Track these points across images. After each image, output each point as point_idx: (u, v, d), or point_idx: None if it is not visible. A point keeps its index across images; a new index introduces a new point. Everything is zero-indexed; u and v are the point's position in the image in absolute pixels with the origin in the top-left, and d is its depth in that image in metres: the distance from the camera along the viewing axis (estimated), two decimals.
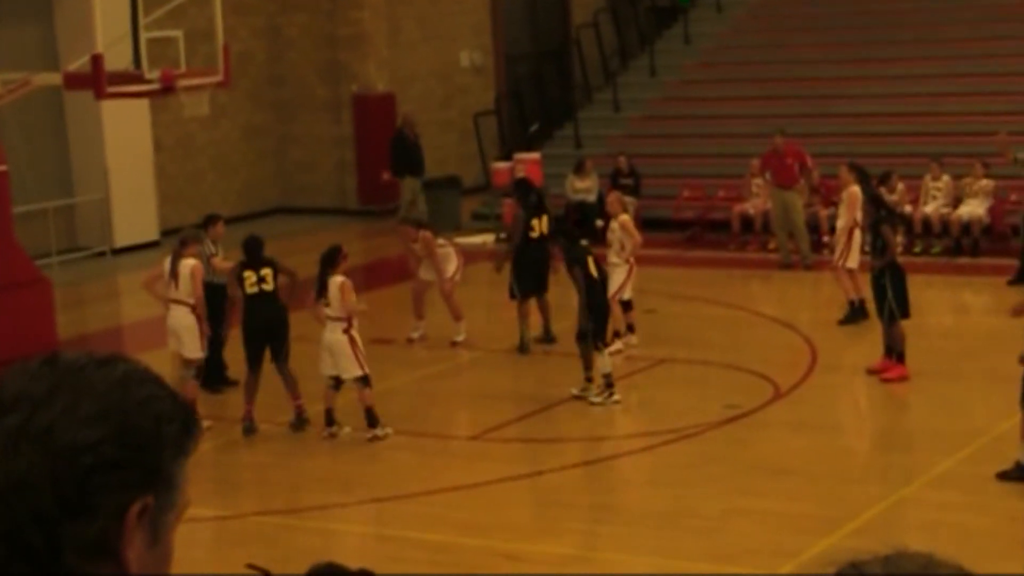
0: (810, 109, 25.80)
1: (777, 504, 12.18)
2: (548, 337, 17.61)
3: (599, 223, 18.19)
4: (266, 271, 14.69)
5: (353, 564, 3.14)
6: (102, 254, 24.93)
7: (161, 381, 1.93)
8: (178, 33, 18.94)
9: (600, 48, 30.69)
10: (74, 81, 18.43)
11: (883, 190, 18.90)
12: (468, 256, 19.35)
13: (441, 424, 15.09)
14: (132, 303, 21.66)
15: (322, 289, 14.28)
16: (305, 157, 28.83)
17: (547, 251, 17.66)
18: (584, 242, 15.97)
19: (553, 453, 14.02)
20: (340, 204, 28.42)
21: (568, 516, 12.59)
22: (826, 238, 21.03)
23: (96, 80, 17.35)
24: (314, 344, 14.90)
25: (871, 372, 15.72)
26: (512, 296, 17.54)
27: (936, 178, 22.35)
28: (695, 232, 24.07)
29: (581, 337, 15.23)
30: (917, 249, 21.75)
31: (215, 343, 15.62)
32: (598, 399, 15.11)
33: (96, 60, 17.26)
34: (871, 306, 16.50)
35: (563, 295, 17.12)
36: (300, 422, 14.73)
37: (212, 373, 15.78)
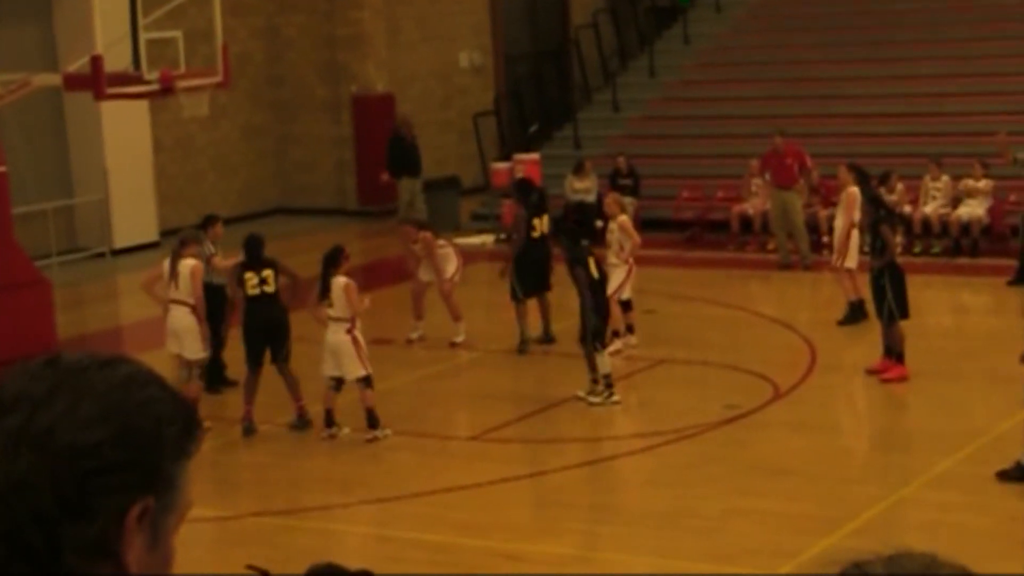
0: (809, 109, 25.80)
1: (777, 504, 12.18)
2: (548, 337, 17.61)
3: (599, 223, 18.19)
4: (267, 272, 14.68)
5: (353, 564, 3.14)
6: (102, 255, 24.93)
7: (163, 383, 1.92)
8: (177, 34, 18.93)
9: (599, 48, 30.69)
10: (74, 82, 18.43)
11: (882, 190, 18.91)
12: (467, 257, 19.35)
13: (441, 424, 15.09)
14: (132, 304, 21.66)
15: (325, 290, 14.27)
16: (304, 157, 28.83)
17: (548, 251, 17.69)
18: (585, 242, 15.97)
19: (553, 453, 14.02)
20: (339, 204, 28.42)
21: (568, 516, 12.59)
22: (825, 238, 21.03)
23: (96, 81, 17.35)
24: (314, 345, 14.90)
25: (870, 372, 15.72)
26: (514, 296, 17.55)
27: (935, 178, 22.36)
28: (694, 232, 24.07)
29: (586, 338, 15.20)
30: (917, 249, 21.75)
31: (215, 343, 15.61)
32: (597, 399, 15.11)
33: (95, 61, 17.27)
34: (870, 306, 16.50)
35: (563, 295, 17.12)
36: (302, 423, 14.72)
37: (211, 373, 15.78)
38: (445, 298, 17.80)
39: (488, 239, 24.78)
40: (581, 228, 16.02)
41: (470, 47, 30.39)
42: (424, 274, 17.94)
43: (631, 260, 17.08)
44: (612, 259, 16.85)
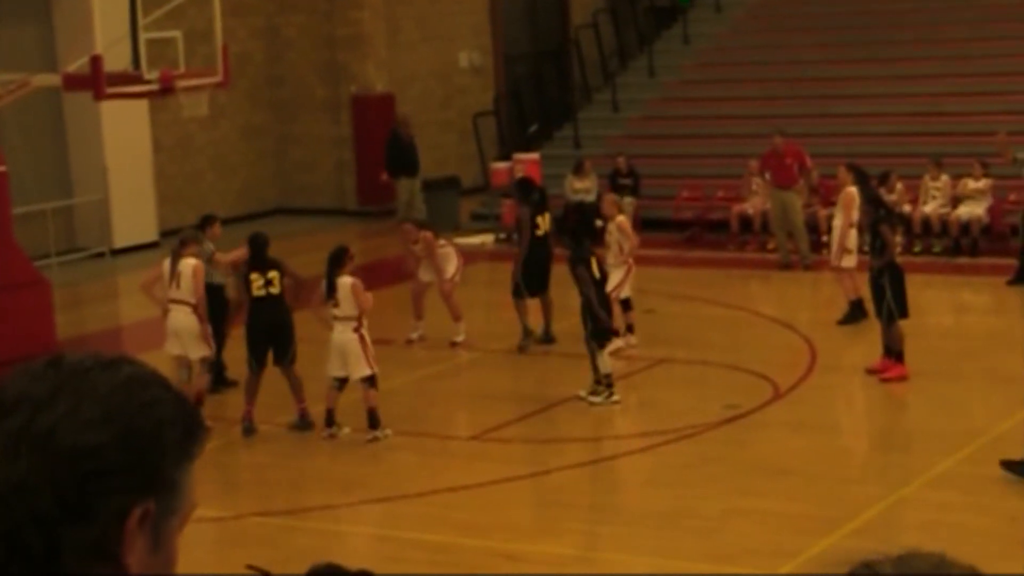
0: (809, 109, 25.81)
1: (776, 504, 12.18)
2: (548, 337, 17.62)
3: (599, 223, 18.22)
4: (273, 274, 14.67)
5: (353, 565, 3.14)
6: (101, 255, 24.93)
7: (166, 384, 1.91)
8: (177, 34, 18.94)
9: (599, 48, 30.70)
10: (73, 82, 18.43)
11: (882, 190, 18.90)
12: (467, 257, 19.35)
13: (441, 424, 15.09)
14: (131, 304, 21.66)
15: (331, 290, 14.27)
16: (304, 157, 28.83)
17: (550, 249, 17.72)
18: (587, 242, 15.98)
19: (553, 453, 14.02)
20: (339, 205, 28.42)
21: (568, 516, 12.59)
22: (825, 238, 21.03)
23: (95, 81, 17.36)
24: (315, 345, 14.91)
25: (870, 372, 15.72)
26: (516, 293, 17.56)
27: (935, 178, 22.36)
28: (694, 232, 24.08)
29: (592, 337, 15.19)
30: (917, 249, 21.75)
31: (216, 343, 15.59)
32: (598, 399, 15.11)
33: (95, 61, 17.27)
34: (869, 306, 16.50)
35: (563, 295, 17.12)
36: (304, 424, 14.72)
37: (211, 373, 15.76)
38: (445, 298, 17.80)
39: (488, 239, 24.79)
40: (584, 228, 16.02)
41: (470, 47, 30.40)
42: (424, 274, 17.94)
43: (630, 260, 17.09)
44: (611, 260, 16.84)
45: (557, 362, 17.00)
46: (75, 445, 1.81)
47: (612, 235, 17.04)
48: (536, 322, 17.66)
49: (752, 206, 23.30)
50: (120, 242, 25.02)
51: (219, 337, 15.61)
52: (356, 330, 14.23)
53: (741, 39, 29.16)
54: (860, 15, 28.15)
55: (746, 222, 23.42)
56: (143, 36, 17.92)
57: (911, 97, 25.46)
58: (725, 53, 28.89)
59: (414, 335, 18.03)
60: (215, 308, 15.40)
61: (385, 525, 12.68)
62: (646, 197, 24.52)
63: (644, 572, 11.07)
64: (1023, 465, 12.28)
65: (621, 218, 17.27)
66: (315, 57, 28.53)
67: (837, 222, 18.23)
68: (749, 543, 11.36)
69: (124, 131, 24.82)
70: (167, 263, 15.21)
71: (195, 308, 14.94)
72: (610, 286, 16.44)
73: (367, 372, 14.20)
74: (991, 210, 21.97)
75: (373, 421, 14.29)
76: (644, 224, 24.13)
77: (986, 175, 22.00)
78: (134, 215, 25.25)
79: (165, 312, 15.29)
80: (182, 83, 18.20)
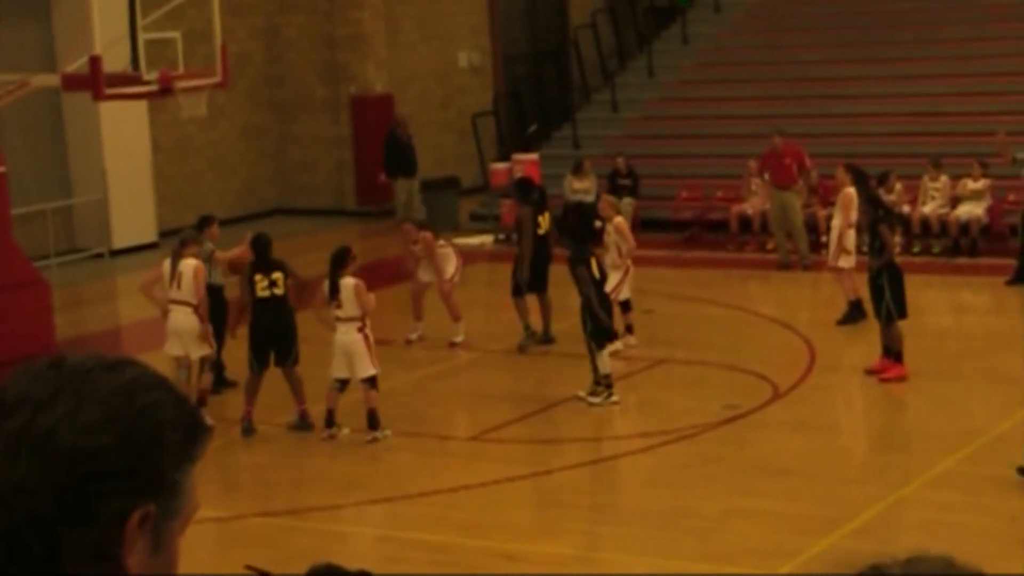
0: (808, 109, 25.81)
1: (776, 504, 12.18)
2: (547, 337, 17.62)
3: (598, 224, 18.24)
4: (277, 275, 14.66)
5: (353, 565, 3.14)
6: (100, 255, 24.93)
7: (169, 386, 1.90)
8: (176, 34, 18.93)
9: (598, 49, 30.70)
10: (72, 82, 18.42)
11: (881, 190, 18.91)
12: (467, 257, 19.35)
13: (440, 425, 15.09)
14: (130, 304, 21.65)
15: (334, 291, 14.26)
16: (304, 158, 28.83)
17: (550, 249, 17.74)
18: (588, 242, 15.99)
19: (552, 454, 14.02)
20: (338, 205, 28.42)
21: (567, 516, 12.59)
22: (824, 238, 21.03)
23: (94, 81, 17.35)
24: (316, 345, 14.91)
25: (870, 372, 15.72)
26: (517, 293, 17.56)
27: (934, 179, 22.36)
28: (693, 232, 24.08)
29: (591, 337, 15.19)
30: (916, 249, 21.76)
31: (216, 343, 15.60)
32: (597, 400, 15.12)
33: (94, 61, 17.27)
34: (868, 306, 16.50)
35: (563, 296, 17.12)
36: (304, 425, 14.71)
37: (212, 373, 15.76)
38: (445, 298, 17.80)
39: (487, 239, 24.79)
40: (584, 228, 16.03)
41: (469, 47, 30.40)
42: (423, 274, 17.94)
43: (628, 262, 17.08)
44: (610, 261, 16.83)
45: (556, 362, 17.00)
46: (75, 447, 1.81)
47: (610, 236, 17.04)
48: (535, 322, 17.65)
49: (751, 206, 23.30)
50: (119, 243, 25.02)
51: (219, 337, 15.62)
52: (360, 330, 14.23)
53: (740, 39, 29.16)
54: (859, 15, 28.15)
55: (745, 222, 23.42)
56: (142, 36, 17.91)
57: (910, 97, 25.46)
58: (724, 53, 28.89)
59: (413, 335, 18.03)
60: (214, 309, 15.41)
61: (385, 525, 12.68)
62: (645, 197, 24.52)
63: (644, 572, 11.08)
64: None
65: (619, 219, 17.28)
66: (314, 57, 28.53)
67: (836, 222, 18.23)
68: (749, 543, 11.36)
69: (123, 131, 24.82)
70: (167, 264, 15.21)
71: (196, 308, 14.95)
72: (608, 287, 16.45)
73: (372, 372, 14.21)
74: (990, 210, 21.97)
75: (373, 422, 14.29)
76: (643, 224, 24.14)
77: (985, 175, 22.00)
78: (133, 215, 25.25)
79: (165, 313, 15.29)
80: (181, 83, 18.20)
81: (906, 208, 21.95)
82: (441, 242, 17.96)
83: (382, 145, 26.32)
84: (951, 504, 12.06)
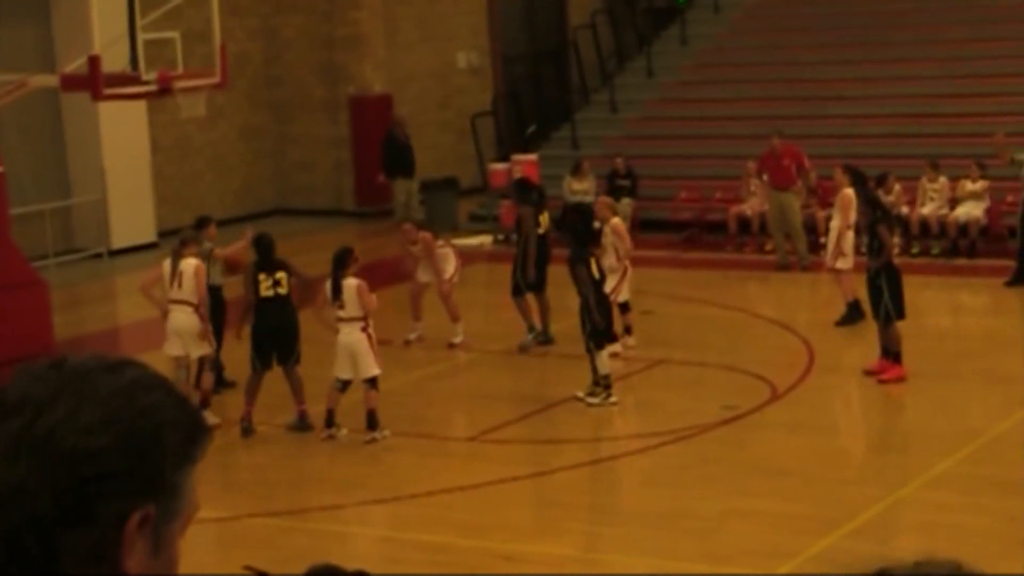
0: (807, 110, 25.81)
1: (774, 505, 12.18)
2: (546, 338, 17.62)
3: (596, 224, 18.24)
4: (280, 274, 14.67)
5: (352, 565, 3.13)
6: (99, 255, 24.93)
7: (169, 387, 1.90)
8: (175, 34, 18.93)
9: (597, 49, 30.71)
10: (71, 82, 18.42)
11: (880, 191, 18.92)
12: (465, 258, 19.35)
13: (439, 425, 15.09)
14: (129, 304, 21.65)
15: (337, 291, 14.26)
16: (302, 158, 28.83)
17: (549, 249, 17.76)
18: (588, 242, 16.01)
19: (551, 454, 14.02)
20: (337, 205, 28.42)
21: (566, 517, 12.59)
22: (823, 239, 21.03)
23: (93, 81, 17.35)
24: (316, 345, 14.91)
25: (868, 373, 15.72)
26: (517, 293, 17.57)
27: (932, 180, 22.36)
28: (692, 233, 24.08)
29: (590, 337, 15.20)
30: (915, 250, 21.77)
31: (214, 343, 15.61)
32: (596, 400, 15.12)
33: (93, 61, 17.26)
34: (866, 307, 16.51)
35: (562, 296, 17.12)
36: (303, 425, 14.71)
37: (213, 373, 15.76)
38: (444, 299, 17.80)
39: (486, 240, 24.79)
40: (585, 228, 16.03)
41: (468, 48, 30.40)
42: (422, 275, 17.94)
43: (626, 263, 17.08)
44: (608, 262, 16.82)
45: (555, 363, 17.00)
46: (75, 448, 1.81)
47: (607, 238, 17.04)
48: (536, 322, 17.65)
49: (750, 207, 23.30)
50: (118, 243, 25.02)
51: (217, 337, 15.62)
52: (364, 330, 14.24)
53: (739, 40, 29.17)
54: (858, 16, 28.15)
55: (744, 223, 23.43)
56: (141, 37, 17.90)
57: (909, 98, 25.47)
58: (723, 54, 28.90)
59: (412, 336, 18.03)
60: (213, 308, 15.42)
61: (384, 526, 12.68)
62: (644, 198, 24.53)
63: (642, 572, 11.08)
64: None
65: (616, 220, 17.27)
66: (313, 58, 28.53)
67: (834, 223, 18.24)
68: (747, 544, 11.36)
69: (122, 132, 24.81)
70: (167, 264, 15.22)
71: (197, 308, 14.96)
72: (608, 288, 16.45)
73: (376, 372, 14.22)
74: (989, 211, 21.98)
75: (372, 422, 14.29)
76: (642, 225, 24.15)
77: (983, 177, 22.00)
78: (132, 216, 25.24)
79: (164, 313, 15.29)
80: (180, 84, 18.19)
81: (904, 209, 21.96)
82: (440, 242, 17.96)
83: (380, 146, 26.33)
84: (950, 505, 12.07)
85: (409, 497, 12.81)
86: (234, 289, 16.51)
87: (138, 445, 1.84)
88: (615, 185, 24.29)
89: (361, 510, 12.87)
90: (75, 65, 18.58)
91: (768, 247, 22.52)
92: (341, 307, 14.25)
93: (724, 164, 24.80)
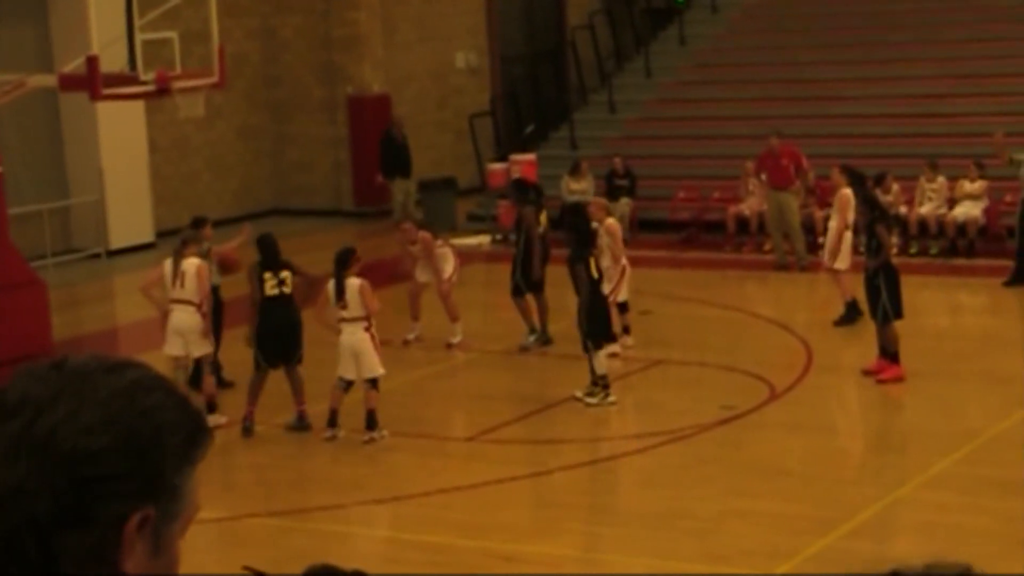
0: (805, 110, 25.82)
1: (773, 505, 12.18)
2: (545, 338, 17.62)
3: (595, 224, 18.24)
4: (285, 274, 14.68)
5: (351, 566, 3.13)
6: (97, 256, 24.92)
7: (170, 389, 1.90)
8: (173, 34, 18.92)
9: (596, 49, 30.71)
10: (69, 82, 18.41)
11: (878, 191, 18.92)
12: (464, 258, 19.35)
13: (438, 425, 15.09)
14: (128, 304, 21.64)
15: (340, 291, 14.26)
16: (301, 158, 28.83)
17: (548, 248, 17.76)
18: (588, 241, 16.02)
19: (550, 454, 14.02)
20: (336, 205, 28.41)
21: (565, 517, 12.59)
22: (821, 239, 21.04)
23: (91, 81, 17.34)
24: (316, 346, 14.91)
25: (867, 373, 15.72)
26: (518, 293, 17.57)
27: (931, 180, 22.36)
28: (691, 233, 24.08)
29: (588, 337, 15.20)
30: (913, 250, 21.78)
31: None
32: (594, 400, 15.12)
33: (91, 61, 17.26)
34: (864, 307, 16.51)
35: (560, 296, 17.12)
36: (302, 425, 14.71)
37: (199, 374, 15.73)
38: (443, 298, 17.79)
39: (485, 240, 24.79)
40: (585, 227, 16.04)
41: (466, 48, 30.40)
42: (421, 275, 17.94)
43: (624, 262, 17.07)
44: (605, 263, 16.82)
45: (554, 363, 17.00)
46: (74, 449, 1.80)
47: (603, 239, 17.03)
48: (536, 323, 17.66)
49: (748, 207, 23.31)
50: (116, 243, 25.02)
51: (216, 337, 15.62)
52: (367, 330, 14.24)
53: (737, 40, 29.17)
54: (856, 16, 28.16)
55: (743, 223, 23.43)
56: (139, 37, 17.90)
57: (907, 98, 25.48)
58: (721, 54, 28.90)
59: (411, 336, 18.03)
60: (212, 308, 15.42)
61: (383, 526, 12.68)
62: (642, 198, 24.53)
63: (641, 572, 11.08)
64: None
65: (610, 221, 17.25)
66: (311, 58, 28.53)
67: (833, 224, 18.24)
68: (745, 544, 11.36)
69: (120, 132, 24.81)
70: (167, 264, 15.23)
71: (199, 307, 14.98)
72: (607, 289, 16.44)
73: (379, 372, 14.22)
74: (987, 211, 21.98)
75: (371, 422, 14.28)
76: (641, 225, 24.17)
77: (982, 176, 21.99)
78: (130, 216, 25.23)
79: (165, 314, 15.30)
80: (178, 84, 18.18)
81: (903, 209, 21.96)
82: (439, 242, 17.96)
83: (378, 146, 26.33)
84: (948, 505, 12.06)
85: (408, 497, 12.81)
86: (230, 289, 16.52)
87: (138, 446, 1.83)
88: (613, 185, 24.30)
89: (360, 510, 12.87)
90: (73, 65, 18.56)
91: (766, 247, 22.52)
92: (344, 307, 14.24)
93: (722, 164, 24.80)
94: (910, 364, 15.53)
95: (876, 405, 15.45)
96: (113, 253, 24.89)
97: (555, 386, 15.93)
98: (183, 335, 15.01)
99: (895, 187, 21.73)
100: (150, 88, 17.89)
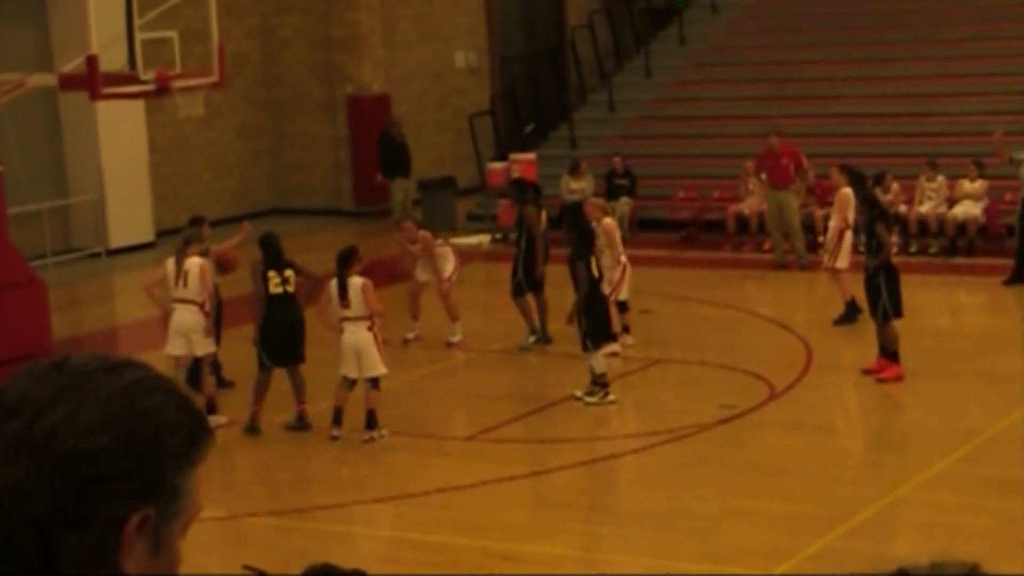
0: (805, 109, 25.82)
1: (772, 505, 12.18)
2: (544, 337, 17.62)
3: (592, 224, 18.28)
4: (289, 273, 14.69)
5: (351, 565, 3.13)
6: (97, 255, 24.92)
7: (171, 389, 1.89)
8: (173, 34, 18.92)
9: (595, 49, 30.71)
10: (69, 82, 18.40)
11: (878, 190, 18.92)
12: (464, 257, 19.35)
13: (437, 425, 15.09)
14: (127, 304, 21.66)
15: (343, 291, 14.26)
16: (300, 158, 28.83)
17: (548, 246, 17.78)
18: (590, 240, 16.02)
19: (549, 454, 14.02)
20: (335, 205, 28.41)
21: (564, 516, 12.60)
22: (821, 238, 21.04)
23: (91, 81, 17.34)
24: (316, 346, 14.91)
25: (866, 372, 15.72)
26: (519, 293, 17.57)
27: (931, 179, 22.36)
28: (690, 232, 24.08)
29: (587, 336, 15.21)
30: (913, 249, 21.78)
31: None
32: (593, 399, 15.12)
33: (91, 61, 17.25)
34: (863, 306, 16.51)
35: (560, 296, 17.12)
36: (302, 425, 14.71)
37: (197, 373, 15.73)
38: (443, 298, 17.79)
39: (484, 239, 24.79)
40: (586, 226, 16.06)
41: (466, 47, 30.39)
42: (421, 274, 17.94)
43: (623, 261, 17.07)
44: (605, 263, 16.82)
45: (553, 362, 17.00)
46: (74, 450, 1.80)
47: (601, 240, 17.03)
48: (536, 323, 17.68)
49: (748, 206, 23.31)
50: (116, 242, 25.01)
51: (216, 337, 15.62)
52: (370, 328, 14.24)
53: (737, 39, 29.18)
54: (856, 15, 28.16)
55: (742, 222, 23.43)
56: (139, 36, 17.89)
57: (907, 97, 25.48)
58: (721, 53, 28.90)
59: (410, 335, 18.03)
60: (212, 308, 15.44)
61: (383, 525, 12.68)
62: (642, 197, 24.52)
63: (640, 572, 11.08)
64: None
65: (607, 221, 17.24)
66: (311, 57, 28.53)
67: (832, 223, 18.24)
68: (745, 543, 11.36)
69: (120, 131, 24.81)
70: (170, 263, 15.23)
71: (202, 306, 15.00)
72: (606, 291, 16.44)
73: (382, 371, 14.22)
74: (987, 210, 21.98)
75: (371, 422, 14.29)
76: (640, 224, 24.17)
77: (981, 176, 21.99)
78: (130, 215, 25.24)
79: (166, 313, 15.30)
80: (178, 83, 18.18)
81: (903, 208, 21.96)
82: (439, 242, 17.96)
83: (376, 146, 26.33)
84: (947, 504, 12.07)
85: (407, 496, 12.81)
86: (229, 288, 16.52)
87: (138, 447, 1.83)
88: (613, 184, 24.30)
89: (360, 510, 12.87)
90: (73, 65, 18.56)
91: (766, 246, 22.52)
92: (347, 306, 14.25)
93: (722, 163, 24.80)
94: (910, 363, 15.53)
95: (876, 404, 15.45)
96: (113, 252, 24.89)
97: (555, 385, 15.94)
98: (186, 335, 15.02)
99: (895, 186, 21.73)
100: (150, 88, 17.89)
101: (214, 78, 18.80)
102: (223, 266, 15.94)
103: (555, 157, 26.22)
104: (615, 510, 12.94)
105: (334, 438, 14.33)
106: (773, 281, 21.57)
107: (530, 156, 25.73)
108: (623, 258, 17.09)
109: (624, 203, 23.92)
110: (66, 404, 1.82)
